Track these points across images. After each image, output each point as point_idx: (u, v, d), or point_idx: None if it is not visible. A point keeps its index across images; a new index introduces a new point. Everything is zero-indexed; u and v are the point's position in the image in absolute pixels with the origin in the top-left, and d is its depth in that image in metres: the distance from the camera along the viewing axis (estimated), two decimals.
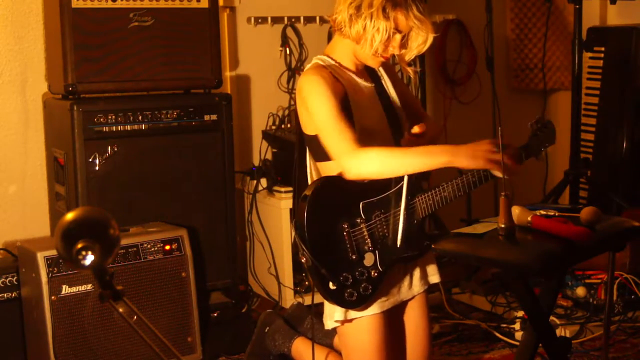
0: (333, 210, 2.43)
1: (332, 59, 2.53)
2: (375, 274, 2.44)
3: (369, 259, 2.43)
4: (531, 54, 5.21)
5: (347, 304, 2.44)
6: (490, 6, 4.92)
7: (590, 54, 4.53)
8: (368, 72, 2.60)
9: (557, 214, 2.60)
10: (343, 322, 2.51)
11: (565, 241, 2.43)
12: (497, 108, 4.97)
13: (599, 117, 4.54)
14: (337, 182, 2.43)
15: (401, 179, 2.46)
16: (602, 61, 4.52)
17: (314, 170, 2.57)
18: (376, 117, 2.55)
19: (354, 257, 2.42)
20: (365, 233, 2.44)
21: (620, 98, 4.41)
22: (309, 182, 2.56)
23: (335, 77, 2.46)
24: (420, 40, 2.48)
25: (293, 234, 2.47)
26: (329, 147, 2.42)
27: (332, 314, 2.50)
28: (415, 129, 2.51)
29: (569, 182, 4.40)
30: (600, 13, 4.97)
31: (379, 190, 2.47)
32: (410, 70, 2.59)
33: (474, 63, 5.05)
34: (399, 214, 2.46)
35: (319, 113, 2.42)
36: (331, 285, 2.39)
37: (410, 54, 2.53)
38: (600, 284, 3.81)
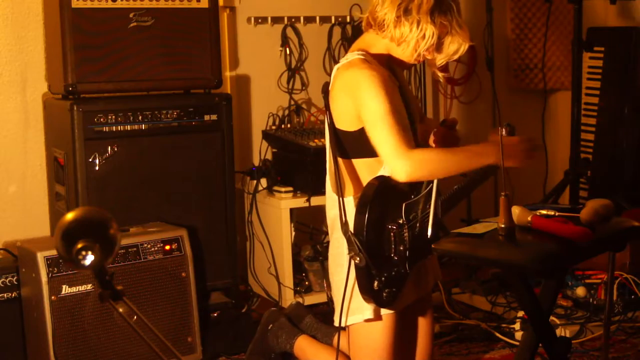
0: (385, 211, 2.42)
1: (371, 54, 2.49)
2: (404, 273, 2.46)
3: (402, 259, 2.45)
4: (531, 54, 5.21)
5: (383, 303, 2.44)
6: (490, 6, 4.92)
7: (590, 54, 4.53)
8: (392, 71, 2.58)
9: (557, 214, 2.60)
10: (371, 320, 2.50)
11: (565, 241, 2.43)
12: (497, 108, 4.97)
13: (599, 117, 4.54)
14: (390, 183, 2.40)
15: (431, 180, 2.48)
16: (602, 61, 4.52)
17: (343, 168, 2.51)
18: (403, 115, 2.54)
19: (395, 257, 2.42)
20: (406, 234, 2.44)
21: (620, 98, 4.41)
22: (329, 178, 2.54)
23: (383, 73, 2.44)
24: (454, 48, 2.48)
25: (345, 235, 2.43)
26: (380, 145, 2.36)
27: (362, 311, 2.49)
28: (448, 121, 2.55)
29: (569, 182, 4.40)
30: (600, 13, 4.97)
31: (415, 191, 2.47)
32: (441, 75, 2.59)
33: (474, 63, 5.05)
34: (428, 216, 2.49)
35: (375, 108, 2.36)
36: (376, 286, 2.39)
37: (443, 59, 2.51)
38: (600, 284, 3.81)
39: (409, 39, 2.41)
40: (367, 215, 2.35)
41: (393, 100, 2.39)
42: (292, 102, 4.44)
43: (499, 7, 5.08)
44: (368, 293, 2.41)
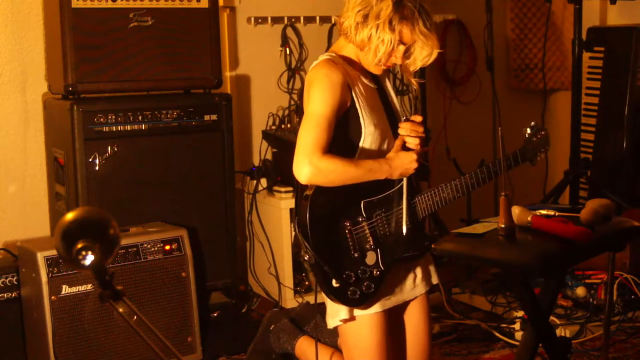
0: (335, 208, 2.45)
1: (340, 57, 2.54)
2: (377, 273, 2.46)
3: (370, 258, 2.45)
4: (531, 54, 5.21)
5: (350, 302, 2.46)
6: (490, 6, 4.92)
7: (590, 54, 4.53)
8: (371, 74, 2.61)
9: (557, 214, 2.60)
10: (346, 320, 2.52)
11: (565, 241, 2.43)
12: (497, 108, 4.97)
13: (599, 117, 4.54)
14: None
15: (400, 179, 2.50)
16: (602, 61, 4.52)
17: None
18: (380, 116, 2.56)
19: (356, 255, 2.43)
20: (367, 231, 2.45)
21: (620, 98, 4.41)
22: None
23: (345, 76, 2.46)
24: (425, 53, 2.50)
25: (294, 233, 2.49)
26: (299, 142, 2.42)
27: (338, 313, 2.52)
28: (416, 117, 2.57)
29: (569, 182, 4.40)
30: (600, 13, 4.97)
31: (380, 190, 2.49)
32: (414, 81, 2.61)
33: (474, 63, 5.05)
34: (401, 214, 2.49)
35: (312, 108, 2.44)
36: (334, 283, 2.41)
37: (415, 65, 2.55)
38: (600, 284, 3.81)
39: (369, 45, 2.45)
40: (308, 212, 2.39)
41: (340, 103, 2.43)
42: (292, 102, 4.44)
43: (499, 7, 5.08)
44: (328, 292, 2.44)
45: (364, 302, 2.47)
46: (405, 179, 2.51)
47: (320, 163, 2.37)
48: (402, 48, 2.47)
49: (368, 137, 2.50)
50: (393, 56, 2.49)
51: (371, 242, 2.46)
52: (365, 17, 2.43)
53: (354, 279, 2.43)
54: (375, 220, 2.48)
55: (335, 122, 2.45)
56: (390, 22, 2.41)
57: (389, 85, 2.69)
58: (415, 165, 2.50)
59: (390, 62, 2.51)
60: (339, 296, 2.44)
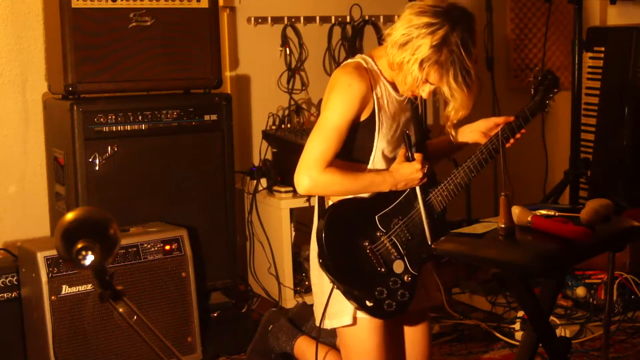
0: (350, 231, 2.45)
1: (375, 64, 2.51)
2: (409, 279, 2.47)
3: (398, 267, 2.47)
4: (531, 54, 5.21)
5: (388, 315, 2.48)
6: (490, 6, 4.92)
7: (590, 54, 4.53)
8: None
9: (557, 214, 2.60)
10: (349, 325, 2.52)
11: (565, 241, 2.43)
12: (497, 108, 4.97)
13: (599, 117, 4.54)
14: (347, 204, 2.45)
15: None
16: (602, 61, 4.52)
17: None
18: (404, 128, 2.55)
19: (382, 270, 2.45)
20: (388, 244, 2.46)
21: (620, 98, 4.41)
22: None
23: (369, 87, 2.44)
24: (454, 105, 2.43)
25: (310, 255, 2.50)
26: (305, 150, 2.42)
27: (340, 317, 2.51)
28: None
29: (569, 182, 4.40)
30: (600, 13, 4.97)
31: (389, 200, 2.49)
32: (453, 132, 2.56)
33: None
34: (419, 214, 2.49)
35: (326, 116, 2.42)
36: (368, 303, 2.41)
37: (448, 120, 2.49)
38: (600, 284, 3.81)
39: (398, 70, 2.41)
40: (324, 244, 2.41)
41: (356, 114, 2.41)
42: (292, 102, 4.44)
43: (499, 7, 5.08)
44: (366, 311, 2.45)
45: (403, 310, 2.48)
46: (418, 188, 2.51)
47: (320, 177, 2.38)
48: (428, 87, 2.41)
49: (379, 150, 2.49)
50: (420, 89, 2.43)
51: (395, 252, 2.47)
52: (404, 45, 2.36)
53: (386, 293, 2.44)
54: (394, 230, 2.48)
55: (349, 131, 2.43)
56: (421, 63, 2.34)
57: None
58: (419, 175, 2.47)
59: (417, 94, 2.47)
60: (376, 312, 2.45)
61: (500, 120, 2.65)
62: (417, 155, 2.47)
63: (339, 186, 2.41)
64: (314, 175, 2.38)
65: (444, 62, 2.34)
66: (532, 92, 2.66)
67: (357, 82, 2.41)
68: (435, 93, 2.45)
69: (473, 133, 2.68)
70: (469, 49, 2.36)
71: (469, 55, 2.35)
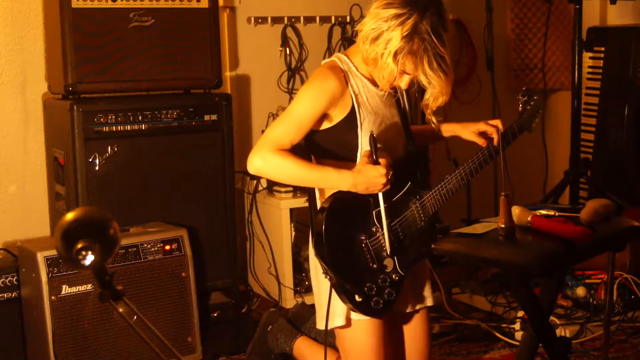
0: (349, 225, 2.44)
1: (351, 61, 2.50)
2: (397, 278, 2.46)
3: (388, 265, 2.45)
4: (531, 54, 5.21)
5: (374, 312, 2.46)
6: (490, 6, 4.92)
7: (590, 54, 4.53)
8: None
9: (557, 214, 2.60)
10: (343, 327, 2.51)
11: (565, 241, 2.43)
12: (497, 108, 4.97)
13: (599, 117, 4.54)
14: (347, 197, 2.43)
15: (406, 182, 2.49)
16: (602, 61, 4.52)
17: None
18: (389, 123, 2.53)
19: (374, 266, 2.44)
20: (383, 240, 2.45)
21: (620, 98, 4.41)
22: None
23: (342, 85, 2.43)
24: (432, 91, 2.41)
25: (310, 252, 2.48)
26: (267, 130, 2.43)
27: (333, 318, 2.51)
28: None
29: (569, 182, 4.40)
30: (600, 13, 4.97)
31: (387, 197, 2.48)
32: (433, 119, 2.54)
33: (474, 63, 5.05)
34: (414, 214, 2.49)
35: (294, 103, 2.43)
36: (357, 298, 2.41)
37: (428, 107, 2.47)
38: (600, 284, 3.81)
39: (374, 65, 2.40)
40: (324, 234, 2.38)
41: (322, 111, 2.40)
42: None
43: (499, 7, 5.08)
44: (352, 306, 2.44)
45: (387, 309, 2.47)
46: (409, 183, 2.49)
47: (271, 158, 2.36)
48: (406, 77, 2.41)
49: (364, 146, 2.46)
50: (399, 80, 2.42)
51: (389, 249, 2.46)
52: (375, 39, 2.36)
53: (375, 290, 2.43)
54: (390, 227, 2.48)
55: (311, 128, 2.43)
56: (395, 55, 2.33)
57: (403, 92, 2.57)
58: (382, 180, 2.38)
59: (396, 84, 2.45)
60: (363, 309, 2.44)
61: (489, 129, 2.63)
62: (382, 160, 2.39)
63: (290, 170, 2.38)
64: (266, 154, 2.36)
65: (416, 51, 2.34)
66: (520, 109, 2.66)
67: (328, 78, 2.41)
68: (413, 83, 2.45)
69: (466, 131, 2.66)
70: (440, 34, 2.34)
71: (440, 40, 2.34)
